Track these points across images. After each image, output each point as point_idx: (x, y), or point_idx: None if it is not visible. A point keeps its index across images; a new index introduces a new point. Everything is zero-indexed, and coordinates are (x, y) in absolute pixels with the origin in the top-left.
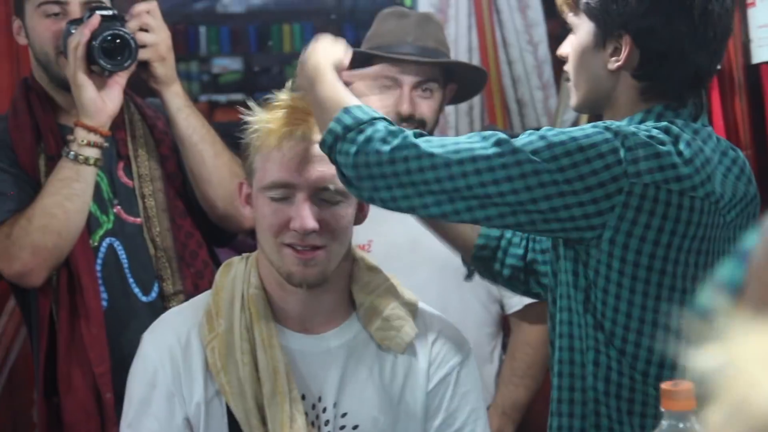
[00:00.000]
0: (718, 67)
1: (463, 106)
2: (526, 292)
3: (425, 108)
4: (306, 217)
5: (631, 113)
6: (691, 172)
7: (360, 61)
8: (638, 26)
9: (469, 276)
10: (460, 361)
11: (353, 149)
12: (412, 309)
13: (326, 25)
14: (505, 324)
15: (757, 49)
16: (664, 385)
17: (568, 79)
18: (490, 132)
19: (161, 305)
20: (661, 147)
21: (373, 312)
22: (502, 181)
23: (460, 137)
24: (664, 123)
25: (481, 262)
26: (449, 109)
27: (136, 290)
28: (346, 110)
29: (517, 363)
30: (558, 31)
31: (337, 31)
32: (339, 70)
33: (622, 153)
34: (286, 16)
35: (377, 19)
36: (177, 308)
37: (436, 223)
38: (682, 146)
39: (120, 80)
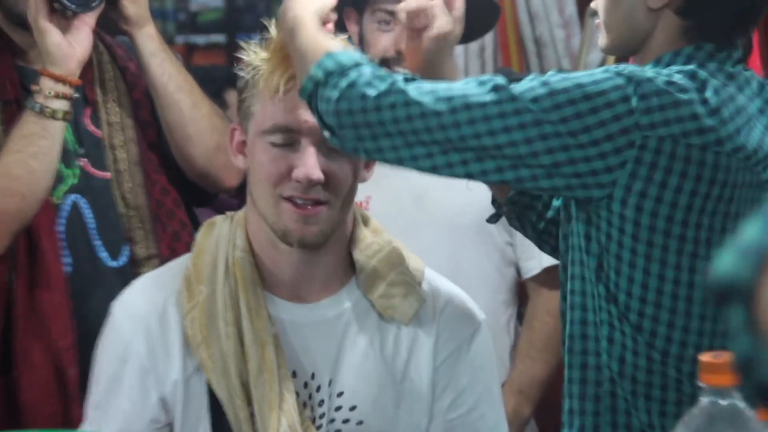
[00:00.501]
0: None
1: (474, 46)
2: (554, 251)
3: None
4: (312, 165)
5: (660, 53)
6: (715, 124)
7: None
8: None
9: (493, 218)
10: (471, 333)
11: (335, 94)
12: (419, 275)
13: None
14: (521, 291)
15: None
16: (704, 357)
17: (595, 15)
18: (487, 77)
19: (131, 271)
20: (680, 95)
21: (376, 277)
22: (499, 132)
23: (455, 83)
24: (691, 66)
25: (516, 207)
26: (458, 49)
27: (103, 254)
28: (329, 55)
29: (536, 334)
30: None
31: None
32: (324, 19)
33: (634, 102)
34: None
35: None
36: (151, 273)
37: None
38: (708, 93)
39: (89, 21)
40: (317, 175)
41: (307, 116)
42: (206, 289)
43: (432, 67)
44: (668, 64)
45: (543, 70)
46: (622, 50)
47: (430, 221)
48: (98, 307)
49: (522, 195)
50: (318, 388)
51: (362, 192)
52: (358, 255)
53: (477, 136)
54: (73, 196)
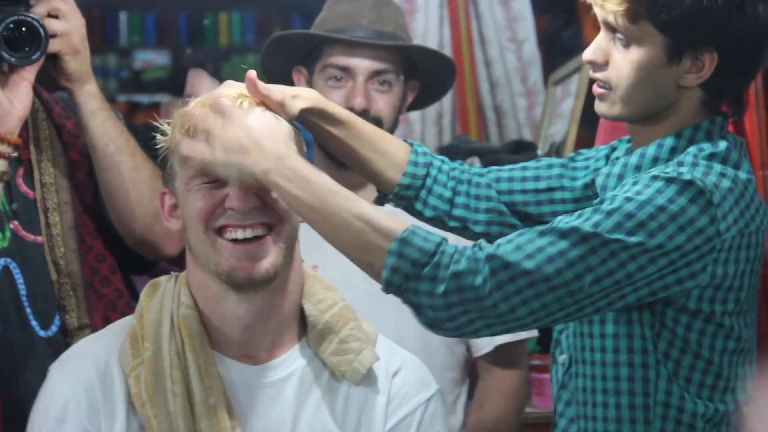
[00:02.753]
0: None
1: (432, 113)
2: (446, 231)
3: (382, 104)
4: (242, 195)
5: (680, 125)
6: (758, 203)
7: (306, 47)
8: (730, 41)
9: (379, 201)
10: (426, 398)
11: (440, 289)
12: (372, 336)
13: (270, 15)
14: (471, 369)
15: None
16: None
17: (603, 85)
18: (563, 224)
19: (63, 341)
20: (736, 186)
21: (328, 332)
22: (604, 277)
23: (531, 234)
24: (722, 147)
25: (403, 200)
26: (415, 116)
27: (34, 323)
28: (404, 241)
29: (486, 415)
30: (548, 29)
31: (285, 22)
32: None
33: (713, 211)
34: (224, 3)
35: (328, 3)
36: (93, 335)
37: (351, 154)
38: (744, 171)
39: (28, 76)
40: (251, 201)
41: None
42: (152, 347)
43: None
44: (690, 139)
45: (503, 139)
46: (635, 120)
47: (379, 293)
48: (29, 378)
49: (408, 189)
50: None
51: (309, 261)
52: (311, 309)
53: (582, 287)
54: (3, 260)
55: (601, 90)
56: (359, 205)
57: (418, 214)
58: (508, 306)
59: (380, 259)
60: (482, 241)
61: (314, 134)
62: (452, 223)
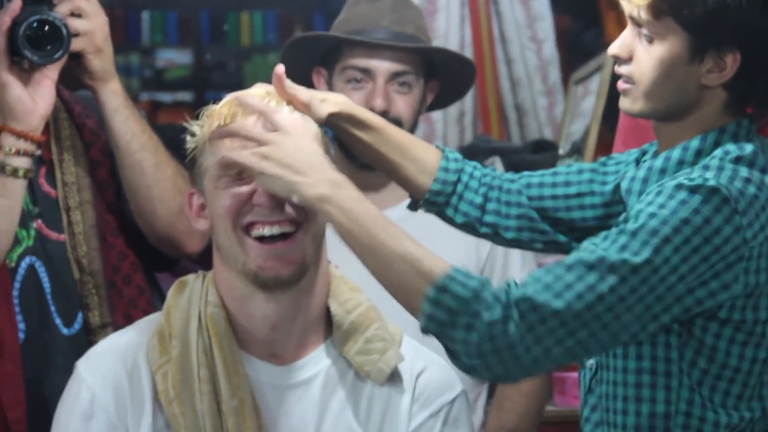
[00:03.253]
0: None
1: (453, 112)
2: (477, 237)
3: (402, 105)
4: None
5: (705, 126)
6: None
7: (325, 49)
8: (754, 41)
9: (411, 206)
10: (450, 399)
11: (474, 337)
12: (398, 337)
13: (292, 14)
14: None
15: None
16: None
17: (627, 81)
18: (589, 255)
19: (85, 339)
20: (762, 192)
21: (354, 332)
22: (635, 304)
23: (558, 269)
24: (748, 150)
25: (434, 206)
26: (437, 115)
27: (58, 321)
28: (442, 288)
29: (506, 414)
30: (568, 27)
31: (307, 21)
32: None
33: (738, 219)
34: (245, 2)
35: (347, 4)
36: (121, 330)
37: (380, 160)
38: None
39: (51, 74)
40: (279, 197)
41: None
42: (179, 345)
43: None
44: (716, 142)
45: (524, 138)
46: (659, 118)
47: None
48: (54, 377)
49: (438, 195)
50: None
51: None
52: (337, 309)
53: (617, 316)
54: (28, 259)
55: (625, 86)
56: (404, 243)
57: (449, 221)
58: (541, 348)
59: (419, 303)
60: (513, 283)
61: (342, 138)
62: (483, 230)
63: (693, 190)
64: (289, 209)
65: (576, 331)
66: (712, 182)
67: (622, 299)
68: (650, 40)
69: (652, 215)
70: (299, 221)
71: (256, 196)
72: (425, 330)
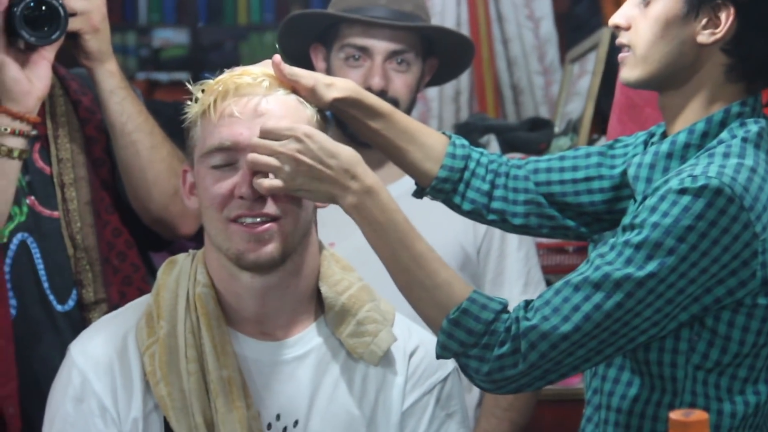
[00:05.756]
0: None
1: (449, 90)
2: (485, 224)
3: (400, 84)
4: (251, 182)
5: (709, 96)
6: None
7: (322, 27)
8: None
9: (417, 194)
10: (443, 377)
11: (485, 368)
12: (390, 316)
13: None
14: None
15: None
16: (674, 415)
17: (626, 50)
18: (594, 272)
19: (79, 316)
20: (766, 182)
21: (346, 314)
22: (644, 311)
23: (566, 290)
24: (753, 132)
25: (441, 194)
26: (432, 93)
27: (51, 297)
28: (455, 321)
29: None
30: (566, 6)
31: (304, 0)
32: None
33: (746, 216)
34: None
35: None
36: (112, 313)
37: (387, 145)
38: None
39: (47, 55)
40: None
41: (243, 130)
42: (167, 326)
43: None
44: (721, 123)
45: (519, 117)
46: (656, 83)
47: None
48: (46, 354)
49: (445, 183)
50: (284, 430)
51: (325, 239)
52: (327, 291)
53: (627, 326)
54: (21, 235)
55: (624, 54)
56: (425, 267)
57: (456, 208)
58: (553, 363)
59: (435, 330)
60: (523, 311)
61: (347, 123)
62: (491, 216)
63: (696, 193)
64: (270, 202)
65: (587, 343)
66: (715, 182)
67: (630, 311)
68: (647, 3)
69: (656, 226)
70: (279, 215)
71: (238, 188)
72: (439, 357)
